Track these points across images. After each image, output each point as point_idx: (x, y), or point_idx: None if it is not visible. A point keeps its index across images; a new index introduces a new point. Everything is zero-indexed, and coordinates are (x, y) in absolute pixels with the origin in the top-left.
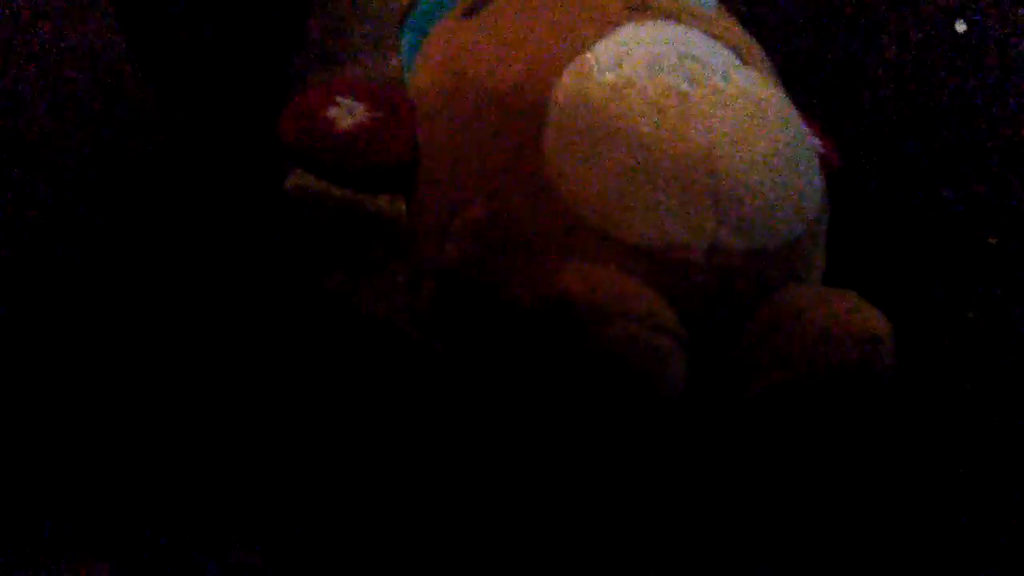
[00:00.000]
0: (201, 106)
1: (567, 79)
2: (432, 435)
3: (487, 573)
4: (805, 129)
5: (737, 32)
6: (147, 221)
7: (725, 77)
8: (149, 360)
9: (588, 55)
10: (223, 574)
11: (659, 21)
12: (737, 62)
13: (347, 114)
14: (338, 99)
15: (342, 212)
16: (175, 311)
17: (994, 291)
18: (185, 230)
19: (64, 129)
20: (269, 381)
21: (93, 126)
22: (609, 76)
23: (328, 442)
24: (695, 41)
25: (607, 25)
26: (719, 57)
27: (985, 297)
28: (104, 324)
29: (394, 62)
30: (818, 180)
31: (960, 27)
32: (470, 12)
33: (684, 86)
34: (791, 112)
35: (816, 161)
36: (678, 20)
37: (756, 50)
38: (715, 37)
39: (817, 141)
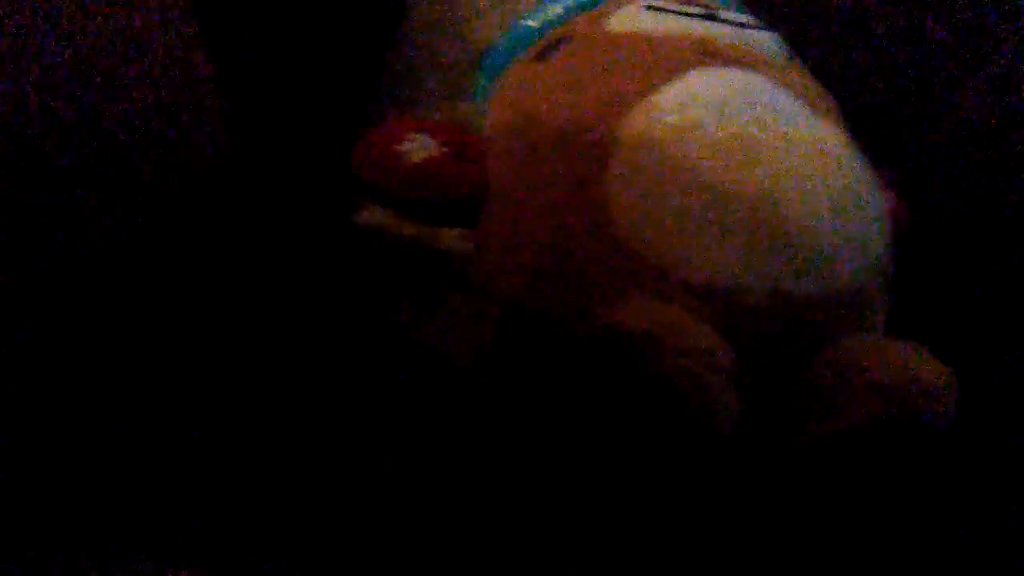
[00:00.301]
0: (280, 143)
1: (632, 119)
2: (481, 472)
3: None
4: (873, 180)
5: (807, 82)
6: (218, 248)
7: (792, 124)
8: (208, 383)
9: (655, 96)
10: None
11: (729, 68)
12: (806, 110)
13: (419, 148)
14: (411, 134)
15: (411, 248)
16: (242, 337)
17: None
18: (255, 260)
19: (140, 154)
20: (329, 410)
21: (170, 157)
22: (674, 117)
23: (379, 470)
24: (764, 88)
25: (676, 70)
26: (787, 104)
27: None
28: (171, 349)
29: (465, 108)
30: (885, 231)
31: None
32: (542, 55)
33: (751, 131)
34: (858, 161)
35: (884, 212)
36: (748, 67)
37: (827, 100)
38: (785, 85)
39: (887, 195)
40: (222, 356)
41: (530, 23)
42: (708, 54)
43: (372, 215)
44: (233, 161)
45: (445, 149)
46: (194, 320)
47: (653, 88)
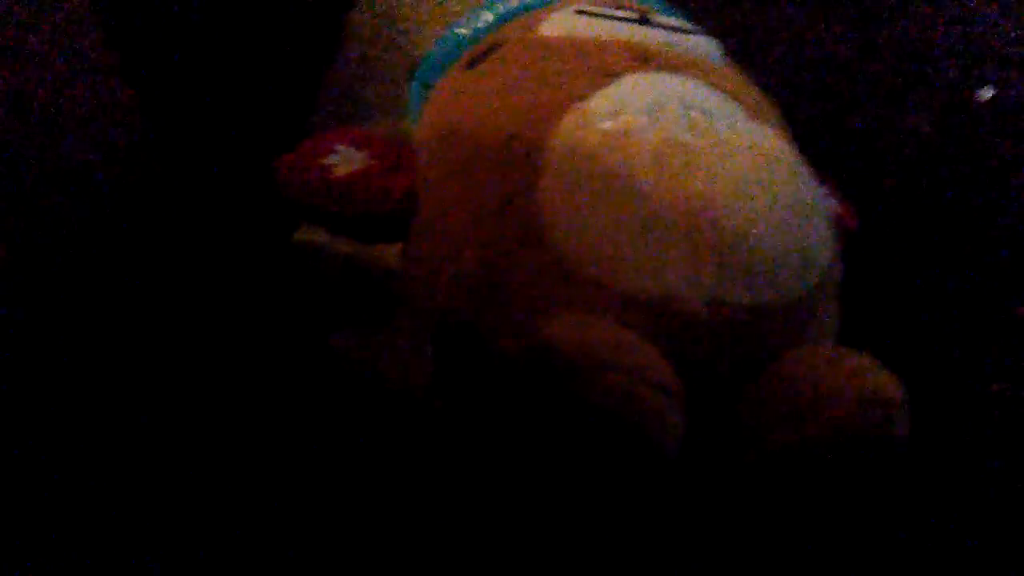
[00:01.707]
0: (211, 161)
1: (564, 126)
2: (431, 493)
3: None
4: (816, 186)
5: (745, 86)
6: (153, 272)
7: (731, 128)
8: (151, 412)
9: (586, 103)
10: None
11: (662, 72)
12: (744, 115)
13: (345, 162)
14: (337, 147)
15: (350, 267)
16: (179, 366)
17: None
18: (191, 284)
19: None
20: (274, 437)
21: (96, 190)
22: (608, 124)
23: (332, 498)
24: (699, 93)
25: (608, 76)
26: (724, 109)
27: (1013, 371)
28: (109, 381)
29: (408, 123)
30: (830, 238)
31: (986, 94)
32: (473, 63)
33: (686, 136)
34: (800, 167)
35: (828, 218)
36: (683, 72)
37: (766, 105)
38: (721, 90)
39: (833, 202)
40: (162, 386)
41: (462, 31)
42: (641, 59)
43: (307, 233)
44: (167, 184)
45: (373, 162)
46: (124, 351)
47: (585, 94)
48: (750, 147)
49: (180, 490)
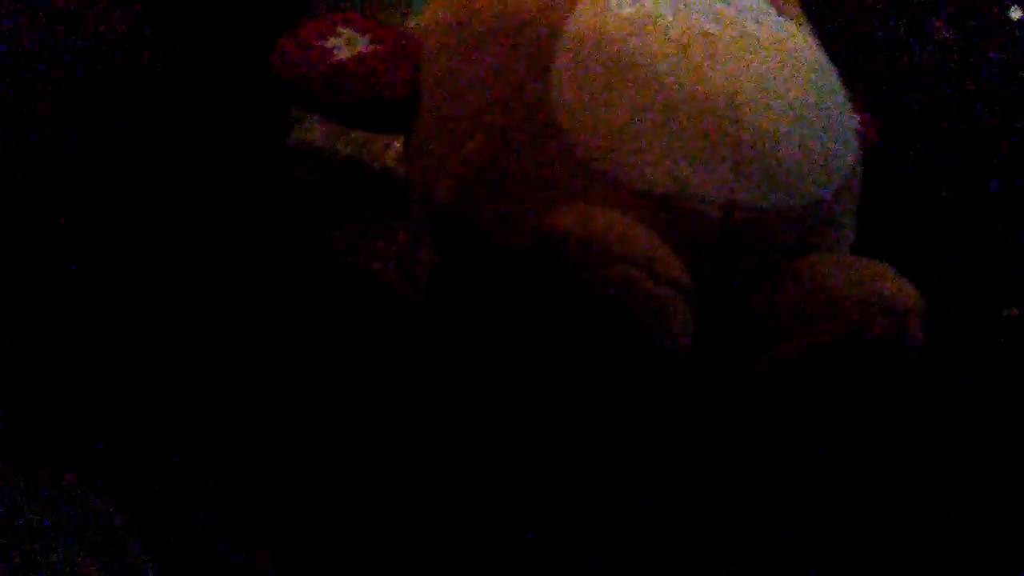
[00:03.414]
0: (208, 50)
1: (581, 10)
2: (417, 399)
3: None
4: (842, 89)
5: None
6: (145, 174)
7: (757, 22)
8: (140, 315)
9: None
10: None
11: None
12: (771, 9)
13: (347, 45)
14: (340, 30)
15: (347, 168)
16: (172, 265)
17: None
18: (184, 181)
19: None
20: (263, 337)
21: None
22: (628, 9)
23: (317, 402)
24: None
25: None
26: (751, 1)
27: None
28: (93, 282)
29: (412, 20)
30: (852, 143)
31: (1016, 14)
32: None
33: (710, 26)
34: (827, 66)
35: (852, 121)
36: None
37: (794, 4)
38: None
39: (857, 115)
40: (151, 288)
41: None
42: None
43: (305, 133)
44: (160, 79)
45: (376, 46)
46: (115, 253)
47: None
48: (776, 43)
49: (174, 396)
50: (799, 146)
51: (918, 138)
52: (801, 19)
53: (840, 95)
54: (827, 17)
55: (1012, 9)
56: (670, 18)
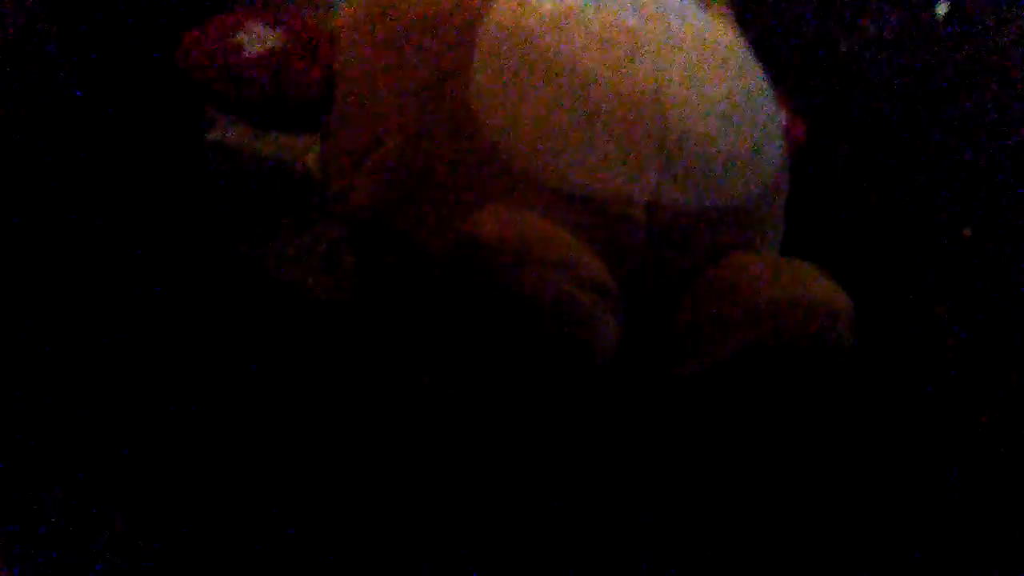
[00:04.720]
0: (122, 52)
1: (500, 5)
2: (344, 401)
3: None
4: (769, 89)
5: None
6: (64, 174)
7: (681, 18)
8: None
9: None
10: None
11: None
12: (696, 5)
13: (256, 41)
14: (250, 25)
15: (265, 168)
16: (89, 272)
17: (968, 287)
18: (102, 180)
19: None
20: (182, 343)
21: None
22: (549, 4)
23: (241, 408)
24: None
25: None
26: None
27: (956, 293)
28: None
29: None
30: (779, 142)
31: (941, 10)
32: None
33: (633, 22)
34: (752, 63)
35: (779, 120)
36: None
37: (719, 2)
38: None
39: (782, 113)
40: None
41: None
42: None
43: (222, 133)
44: (62, 73)
45: (286, 42)
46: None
47: None
48: (701, 39)
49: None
50: (725, 145)
51: (844, 137)
52: (726, 16)
53: (766, 93)
54: (752, 13)
55: (938, 5)
56: (592, 13)
